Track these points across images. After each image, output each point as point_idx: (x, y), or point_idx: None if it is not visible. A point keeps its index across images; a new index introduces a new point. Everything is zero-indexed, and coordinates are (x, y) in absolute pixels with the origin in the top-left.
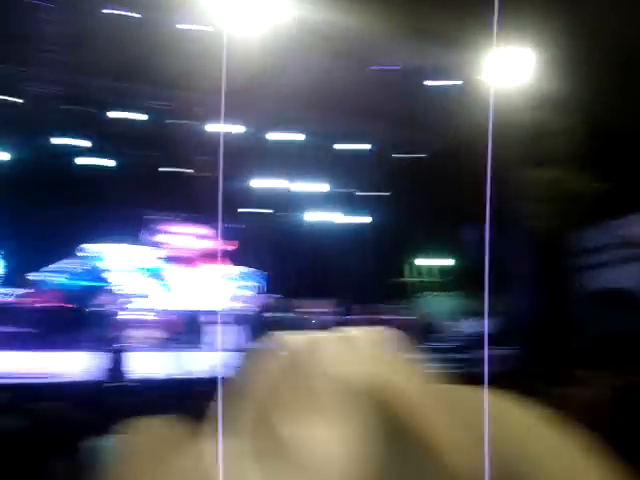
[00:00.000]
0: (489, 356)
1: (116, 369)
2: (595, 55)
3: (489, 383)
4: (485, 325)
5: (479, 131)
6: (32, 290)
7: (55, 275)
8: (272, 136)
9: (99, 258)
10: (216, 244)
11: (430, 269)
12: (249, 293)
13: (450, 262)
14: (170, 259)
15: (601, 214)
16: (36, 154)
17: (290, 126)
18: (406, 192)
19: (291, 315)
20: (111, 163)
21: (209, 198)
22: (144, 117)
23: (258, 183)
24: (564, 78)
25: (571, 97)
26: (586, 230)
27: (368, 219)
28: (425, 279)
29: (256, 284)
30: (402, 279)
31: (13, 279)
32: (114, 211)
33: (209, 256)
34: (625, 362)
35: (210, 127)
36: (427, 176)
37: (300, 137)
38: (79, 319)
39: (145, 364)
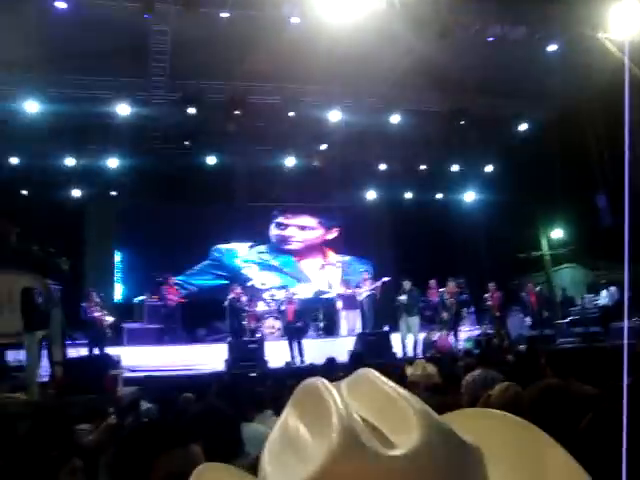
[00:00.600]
0: (629, 328)
1: (254, 359)
2: None
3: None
4: (625, 298)
5: (600, 93)
6: (172, 288)
7: (192, 275)
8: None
9: (230, 255)
10: (324, 233)
11: (561, 241)
12: (366, 278)
13: (581, 232)
14: (292, 251)
15: None
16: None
17: (402, 107)
18: (529, 164)
19: (421, 298)
20: (227, 161)
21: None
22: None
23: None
24: None
25: None
26: None
27: (491, 194)
28: (556, 251)
29: (367, 269)
30: (532, 253)
31: (153, 280)
32: (239, 209)
33: (321, 245)
34: None
35: (321, 115)
36: (550, 145)
37: (407, 117)
38: (215, 314)
39: (283, 353)
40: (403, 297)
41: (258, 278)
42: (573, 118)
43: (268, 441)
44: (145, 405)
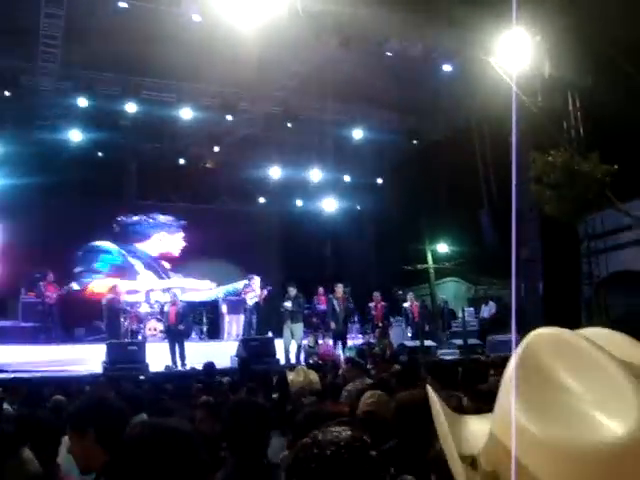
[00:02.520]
0: (502, 341)
1: (133, 361)
2: (601, 42)
3: None
4: (513, 310)
5: (489, 115)
6: (51, 285)
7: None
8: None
9: (110, 253)
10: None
11: (445, 255)
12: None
13: (464, 248)
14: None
15: (613, 196)
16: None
17: (294, 114)
18: (418, 179)
19: (306, 305)
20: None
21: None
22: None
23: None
24: (570, 64)
25: (577, 83)
26: (599, 213)
27: (380, 206)
28: (440, 265)
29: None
30: (418, 265)
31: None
32: (126, 205)
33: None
34: None
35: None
36: (438, 162)
37: (303, 124)
38: (95, 313)
39: (165, 356)
40: (288, 303)
41: (141, 277)
42: (462, 137)
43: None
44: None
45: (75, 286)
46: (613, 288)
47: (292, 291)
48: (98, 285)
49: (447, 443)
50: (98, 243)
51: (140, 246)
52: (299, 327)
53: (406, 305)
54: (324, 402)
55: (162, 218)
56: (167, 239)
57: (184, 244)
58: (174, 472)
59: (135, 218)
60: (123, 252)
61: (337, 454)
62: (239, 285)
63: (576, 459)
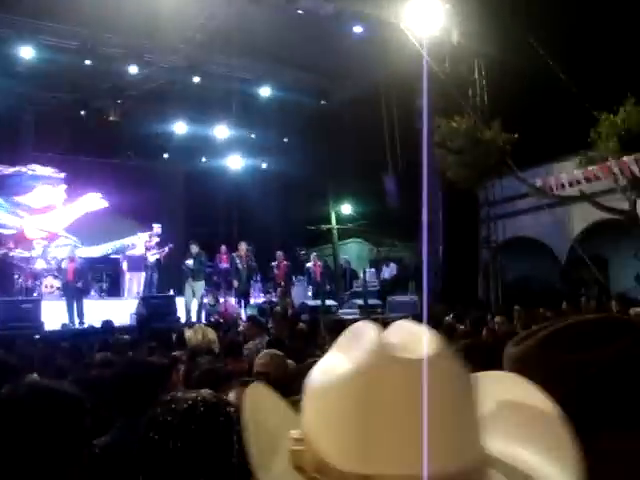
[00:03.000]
0: (403, 302)
1: (28, 319)
2: (508, 12)
3: None
4: (424, 273)
5: (397, 79)
6: None
7: None
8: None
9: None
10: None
11: (349, 217)
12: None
13: (368, 210)
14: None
15: (514, 164)
16: None
17: (201, 68)
18: (327, 140)
19: (208, 264)
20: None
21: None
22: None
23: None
24: (478, 33)
25: (483, 51)
26: (499, 181)
27: (286, 166)
28: (343, 226)
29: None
30: (322, 226)
31: None
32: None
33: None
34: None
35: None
36: (346, 123)
37: (209, 80)
38: None
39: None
40: (190, 261)
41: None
42: (370, 100)
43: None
44: None
45: None
46: (509, 253)
47: (194, 249)
48: None
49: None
50: None
51: (21, 199)
52: (200, 285)
53: (309, 265)
54: (223, 360)
55: (41, 170)
56: (49, 192)
57: (65, 197)
58: (48, 438)
59: (12, 170)
60: (6, 205)
61: (192, 408)
62: (128, 241)
63: (325, 397)
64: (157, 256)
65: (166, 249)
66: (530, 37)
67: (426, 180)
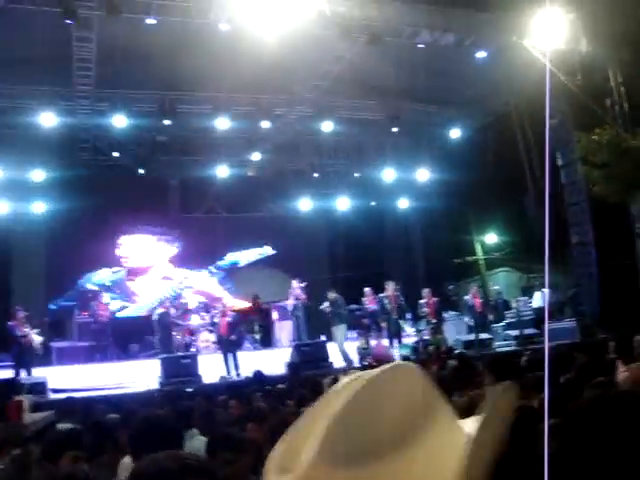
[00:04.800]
0: (559, 329)
1: (187, 374)
2: (635, 14)
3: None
4: (545, 300)
5: (527, 98)
6: (102, 304)
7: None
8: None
9: None
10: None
11: (494, 245)
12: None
13: (513, 236)
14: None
15: None
16: None
17: (334, 114)
18: (463, 169)
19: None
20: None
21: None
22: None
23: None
24: (607, 39)
25: (616, 57)
26: None
27: (428, 201)
28: (490, 256)
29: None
30: (467, 258)
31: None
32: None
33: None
34: None
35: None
36: (481, 150)
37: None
38: (147, 329)
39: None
40: (326, 305)
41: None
42: (503, 123)
43: None
44: (65, 426)
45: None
46: None
47: (330, 295)
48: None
49: None
50: None
51: None
52: (339, 329)
53: (467, 297)
54: None
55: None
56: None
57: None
58: None
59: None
60: None
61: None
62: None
63: None
64: (292, 302)
65: (301, 290)
66: None
67: (547, 199)
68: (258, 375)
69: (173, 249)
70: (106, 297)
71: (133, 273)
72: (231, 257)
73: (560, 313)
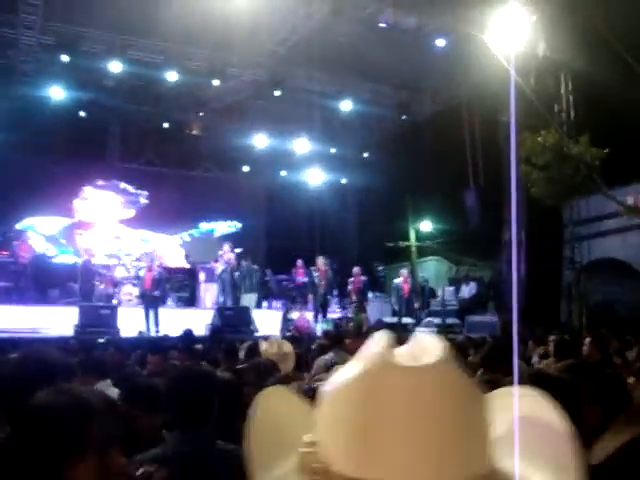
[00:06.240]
0: (481, 322)
1: (105, 325)
2: (596, 25)
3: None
4: (514, 298)
5: (480, 94)
6: (25, 244)
7: None
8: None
9: None
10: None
11: (428, 234)
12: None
13: (448, 227)
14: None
15: (602, 181)
16: None
17: (282, 82)
18: (407, 155)
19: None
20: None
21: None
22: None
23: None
24: (564, 44)
25: (571, 65)
26: (587, 197)
27: (366, 181)
28: (422, 243)
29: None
30: (400, 242)
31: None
32: (110, 167)
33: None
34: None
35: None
36: (426, 138)
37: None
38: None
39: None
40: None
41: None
42: (452, 114)
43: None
44: None
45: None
46: (594, 275)
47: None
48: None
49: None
50: None
51: None
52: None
53: (397, 281)
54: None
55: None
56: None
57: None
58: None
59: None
60: None
61: None
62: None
63: (331, 400)
64: (222, 267)
65: (233, 260)
66: (621, 49)
67: (514, 197)
68: (188, 334)
69: (130, 211)
70: (36, 239)
71: (79, 226)
72: (206, 226)
73: (483, 307)
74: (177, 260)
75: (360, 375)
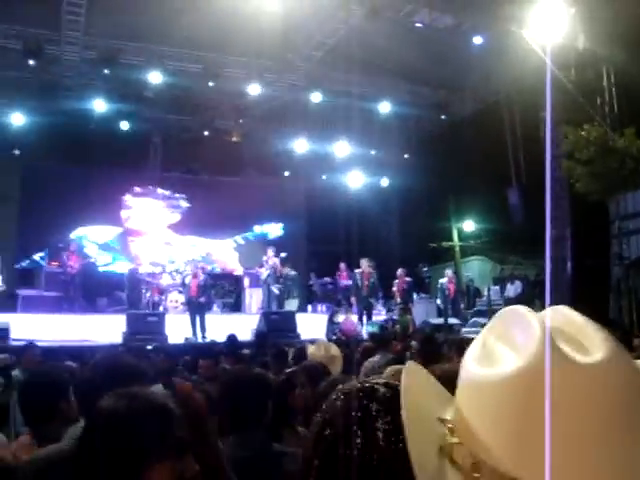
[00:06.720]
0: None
1: (152, 332)
2: (636, 15)
3: None
4: (547, 288)
5: (519, 90)
6: (73, 255)
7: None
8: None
9: None
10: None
11: (471, 233)
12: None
13: (491, 226)
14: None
15: None
16: None
17: (320, 86)
18: (447, 155)
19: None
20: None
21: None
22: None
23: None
24: (604, 36)
25: (612, 57)
26: (634, 191)
27: (407, 182)
28: (466, 243)
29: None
30: (444, 243)
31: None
32: (152, 177)
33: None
34: None
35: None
36: (467, 137)
37: (329, 97)
38: (117, 284)
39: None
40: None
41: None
42: (492, 112)
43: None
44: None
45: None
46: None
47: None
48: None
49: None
50: None
51: None
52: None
53: (443, 281)
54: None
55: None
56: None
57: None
58: (141, 446)
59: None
60: None
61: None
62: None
63: (487, 390)
64: (267, 272)
65: (279, 266)
66: None
67: (549, 192)
68: (232, 339)
69: (175, 216)
70: (90, 248)
71: (130, 233)
72: (259, 229)
73: (529, 305)
74: (233, 263)
75: (528, 367)
